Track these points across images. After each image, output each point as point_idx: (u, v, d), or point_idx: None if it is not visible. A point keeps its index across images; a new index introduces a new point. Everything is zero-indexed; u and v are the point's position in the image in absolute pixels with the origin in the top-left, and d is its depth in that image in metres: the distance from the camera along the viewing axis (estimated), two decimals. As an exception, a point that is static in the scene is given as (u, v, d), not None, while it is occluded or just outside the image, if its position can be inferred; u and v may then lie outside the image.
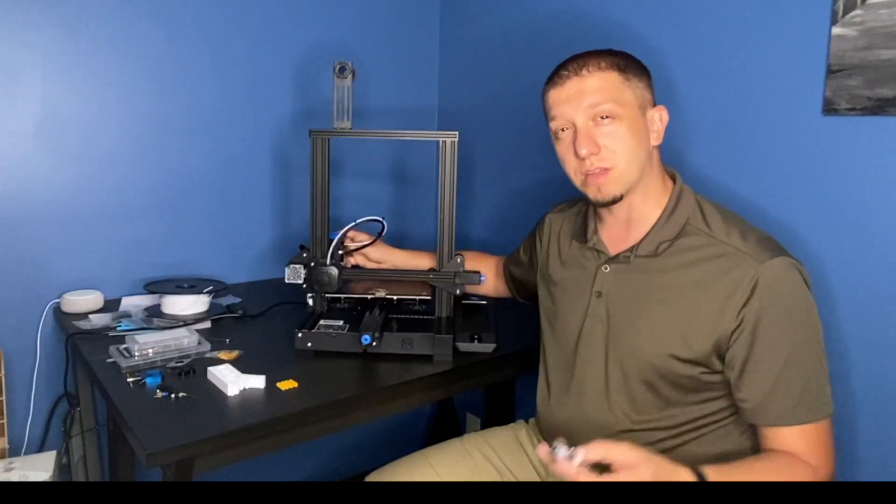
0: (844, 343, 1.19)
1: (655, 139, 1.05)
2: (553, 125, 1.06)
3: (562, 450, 0.84)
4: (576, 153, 1.02)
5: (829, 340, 1.19)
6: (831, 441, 0.96)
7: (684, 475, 0.87)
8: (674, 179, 1.09)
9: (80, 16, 1.50)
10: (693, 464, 0.92)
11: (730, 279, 0.96)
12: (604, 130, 1.01)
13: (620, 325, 1.06)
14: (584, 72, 1.02)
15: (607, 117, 1.01)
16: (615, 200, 1.03)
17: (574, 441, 1.13)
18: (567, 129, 1.04)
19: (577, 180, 1.06)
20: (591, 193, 1.04)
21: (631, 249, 1.06)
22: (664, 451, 1.03)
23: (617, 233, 1.10)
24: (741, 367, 0.96)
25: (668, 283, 1.02)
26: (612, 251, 1.09)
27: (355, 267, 1.44)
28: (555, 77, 1.05)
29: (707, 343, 0.97)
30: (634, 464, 0.83)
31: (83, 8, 1.50)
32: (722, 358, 0.98)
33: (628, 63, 1.04)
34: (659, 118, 1.06)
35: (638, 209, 1.06)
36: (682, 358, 0.99)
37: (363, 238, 1.42)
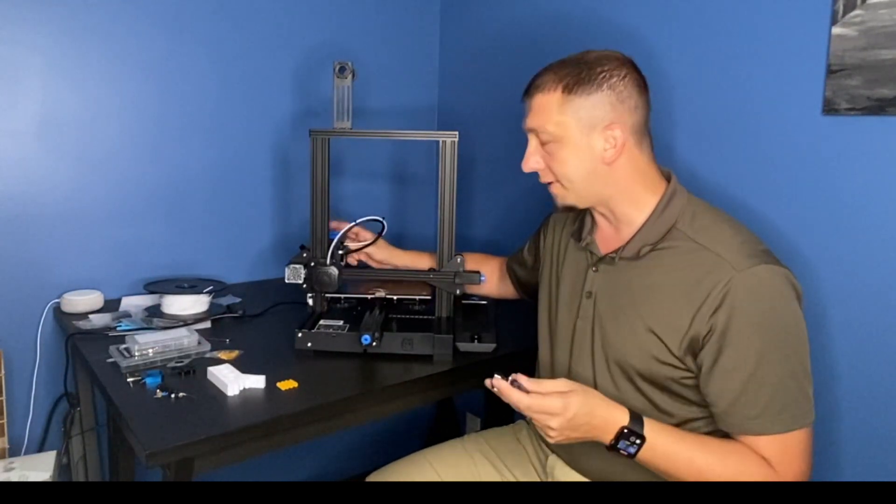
0: (841, 346, 1.19)
1: (608, 159, 1.01)
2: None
3: (500, 376, 0.96)
4: None
5: (824, 342, 1.20)
6: (803, 452, 0.93)
7: (618, 414, 0.94)
8: (668, 179, 1.07)
9: (81, 16, 1.50)
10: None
11: (705, 285, 0.95)
12: (547, 150, 1.06)
13: (606, 326, 1.06)
14: (534, 91, 1.06)
15: (547, 140, 1.05)
16: (572, 209, 1.09)
17: (567, 446, 1.13)
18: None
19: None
20: (555, 202, 1.11)
21: (617, 251, 1.06)
22: None
23: (608, 234, 1.11)
24: (708, 372, 0.96)
25: (648, 285, 1.02)
26: (603, 251, 1.10)
27: (359, 264, 1.43)
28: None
29: (683, 346, 0.97)
30: (567, 389, 0.93)
31: (83, 8, 1.50)
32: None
33: (582, 80, 1.00)
34: (611, 138, 1.01)
35: (620, 213, 1.07)
36: (661, 360, 0.99)
37: (367, 236, 1.41)
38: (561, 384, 0.94)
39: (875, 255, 1.13)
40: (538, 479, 1.21)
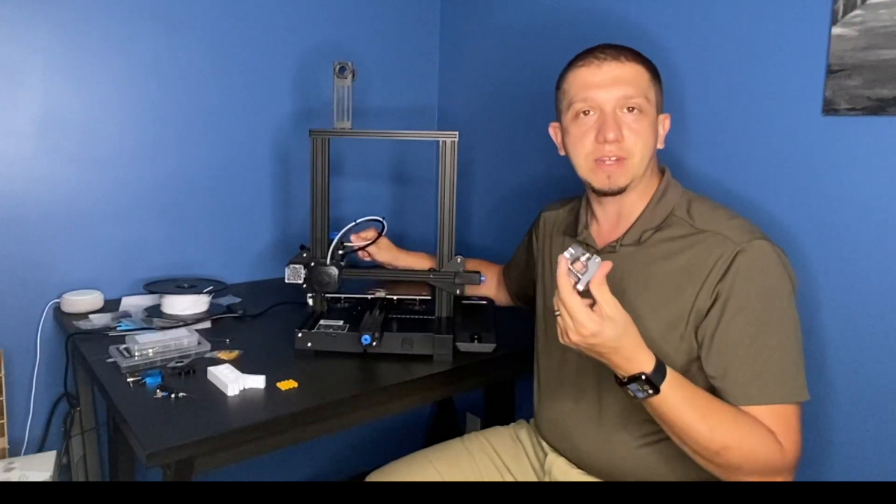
0: (838, 345, 1.19)
1: (660, 143, 1.08)
2: (578, 107, 1.05)
3: (575, 253, 0.88)
4: (597, 137, 1.02)
5: (819, 340, 1.20)
6: (799, 429, 0.94)
7: (643, 358, 0.88)
8: (662, 173, 1.11)
9: (81, 16, 1.50)
10: (683, 456, 0.93)
11: (709, 261, 0.97)
12: (629, 121, 1.02)
13: None
14: (623, 58, 1.03)
15: (635, 109, 1.02)
16: (620, 191, 1.04)
17: (568, 439, 1.13)
18: (592, 112, 1.04)
19: (585, 165, 1.06)
20: (599, 181, 1.04)
21: (617, 240, 1.07)
22: (653, 444, 1.03)
23: (606, 227, 1.11)
24: (710, 338, 0.96)
25: (651, 273, 1.02)
26: (600, 244, 1.10)
27: (367, 262, 1.43)
28: (590, 57, 1.04)
29: (691, 329, 0.98)
30: (611, 317, 0.86)
31: (84, 9, 1.50)
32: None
33: (652, 66, 1.07)
34: (663, 125, 1.08)
35: (629, 204, 1.08)
36: (663, 346, 0.99)
37: (372, 236, 1.41)
38: (609, 307, 0.86)
39: (875, 255, 1.13)
40: (536, 479, 1.21)
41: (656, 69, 1.07)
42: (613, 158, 1.02)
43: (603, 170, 1.03)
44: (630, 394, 0.90)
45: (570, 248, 0.89)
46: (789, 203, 1.24)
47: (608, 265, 0.87)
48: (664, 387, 0.88)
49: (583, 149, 1.05)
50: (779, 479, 0.91)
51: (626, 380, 0.90)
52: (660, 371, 0.89)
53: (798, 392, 0.94)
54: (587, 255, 0.88)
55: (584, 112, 1.04)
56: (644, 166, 1.04)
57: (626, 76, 1.02)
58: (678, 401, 0.89)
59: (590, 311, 0.87)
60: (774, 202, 1.26)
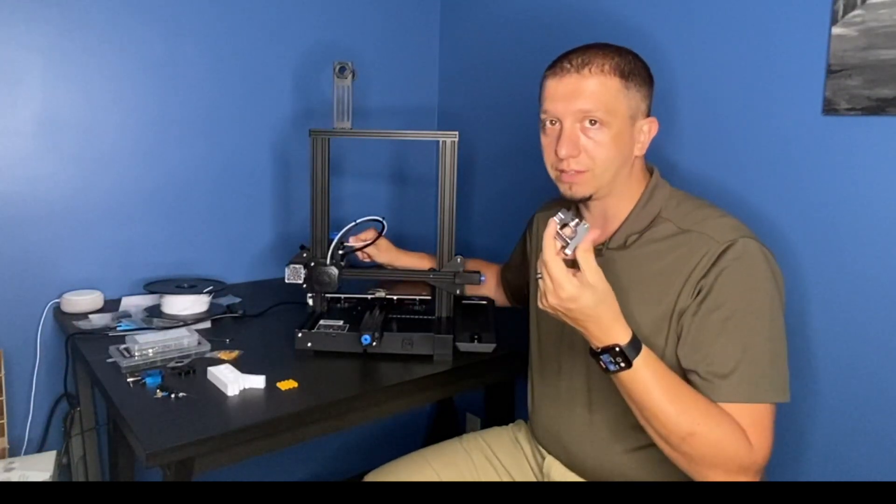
0: (835, 347, 1.19)
1: (639, 150, 1.04)
2: (543, 116, 1.05)
3: (564, 218, 0.88)
4: (556, 150, 1.02)
5: (818, 341, 1.20)
6: (772, 430, 0.93)
7: (619, 330, 0.88)
8: (651, 172, 1.09)
9: (81, 16, 1.50)
10: (670, 462, 0.93)
11: (693, 260, 0.97)
12: (589, 135, 1.00)
13: None
14: (586, 71, 0.99)
15: (595, 123, 1.00)
16: (583, 199, 1.04)
17: (560, 443, 1.13)
18: (554, 123, 1.04)
19: (552, 173, 1.07)
20: (563, 189, 1.05)
21: (604, 243, 1.07)
22: (643, 448, 1.03)
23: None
24: (686, 331, 0.96)
25: (637, 276, 1.02)
26: None
27: (367, 263, 1.43)
28: (556, 67, 1.03)
29: (674, 329, 0.97)
30: (592, 284, 0.86)
31: (83, 9, 1.50)
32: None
33: (633, 69, 1.02)
34: (647, 130, 1.05)
35: (613, 207, 1.07)
36: (656, 350, 0.97)
37: (371, 237, 1.41)
38: (591, 274, 0.87)
39: (875, 255, 1.13)
40: (535, 479, 1.21)
41: (640, 73, 1.03)
42: (573, 171, 1.02)
43: (564, 181, 1.04)
44: (602, 365, 0.90)
45: (559, 213, 0.89)
46: (789, 203, 1.24)
47: (595, 232, 0.89)
48: (637, 362, 0.88)
49: (548, 158, 1.06)
50: (743, 478, 0.89)
51: (599, 350, 0.90)
52: (634, 346, 0.89)
53: (773, 392, 0.93)
54: (577, 220, 0.88)
55: (550, 122, 1.04)
56: (609, 176, 1.02)
57: (587, 90, 0.99)
58: (649, 379, 0.89)
59: (570, 275, 0.87)
60: (774, 202, 1.26)
